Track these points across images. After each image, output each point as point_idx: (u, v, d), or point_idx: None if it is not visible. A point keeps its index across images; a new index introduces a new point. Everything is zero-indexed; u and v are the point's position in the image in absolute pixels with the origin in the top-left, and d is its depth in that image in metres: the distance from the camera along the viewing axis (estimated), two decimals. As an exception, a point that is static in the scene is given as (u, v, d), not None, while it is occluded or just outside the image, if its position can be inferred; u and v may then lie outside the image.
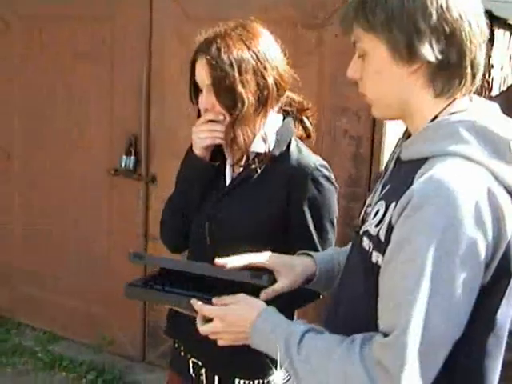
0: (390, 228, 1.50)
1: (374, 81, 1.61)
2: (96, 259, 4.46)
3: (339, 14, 1.68)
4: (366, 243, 1.62)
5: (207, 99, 2.15)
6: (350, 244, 1.86)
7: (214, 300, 1.80)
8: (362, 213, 1.77)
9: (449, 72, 1.54)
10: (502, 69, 6.80)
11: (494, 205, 1.44)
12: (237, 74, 2.10)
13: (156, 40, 3.96)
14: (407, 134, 1.72)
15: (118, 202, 4.29)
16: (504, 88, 7.23)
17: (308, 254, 2.00)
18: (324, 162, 2.24)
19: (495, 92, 6.50)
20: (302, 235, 2.20)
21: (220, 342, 1.80)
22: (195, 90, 2.21)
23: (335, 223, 2.26)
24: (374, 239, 1.58)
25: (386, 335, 1.47)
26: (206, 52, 2.12)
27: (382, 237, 1.54)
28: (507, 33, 6.87)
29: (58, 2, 4.31)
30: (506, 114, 1.63)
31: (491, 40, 5.78)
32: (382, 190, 1.66)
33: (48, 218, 4.68)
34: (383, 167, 1.90)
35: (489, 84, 5.99)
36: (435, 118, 1.57)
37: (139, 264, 2.02)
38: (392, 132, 3.32)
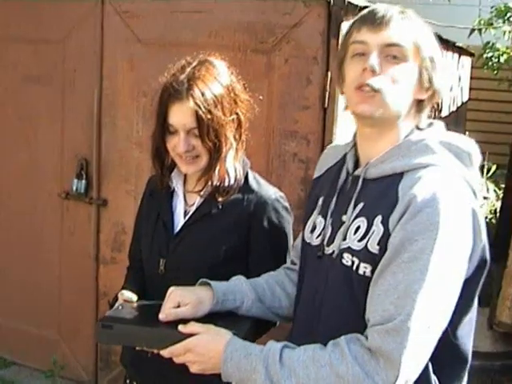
0: (387, 235, 1.66)
1: (395, 83, 1.73)
2: (47, 283, 4.42)
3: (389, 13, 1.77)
4: (349, 259, 1.75)
5: (187, 141, 2.14)
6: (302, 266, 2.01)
7: (180, 327, 1.83)
8: (321, 236, 1.89)
9: (431, 104, 1.82)
10: (451, 89, 6.91)
11: (471, 204, 1.69)
12: (221, 115, 2.13)
13: (107, 64, 3.96)
14: (354, 156, 1.90)
15: (70, 225, 4.26)
16: (454, 108, 7.36)
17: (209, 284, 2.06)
18: (282, 194, 2.33)
19: (445, 113, 6.62)
20: (260, 262, 2.26)
21: (191, 370, 1.83)
22: (161, 130, 2.19)
23: (291, 250, 2.32)
24: (361, 253, 1.72)
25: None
26: (188, 95, 2.10)
27: (373, 248, 1.69)
28: (456, 54, 7.00)
29: (9, 24, 4.29)
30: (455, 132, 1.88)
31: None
32: (353, 209, 1.79)
33: (-2, 241, 4.63)
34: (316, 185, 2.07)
35: (438, 105, 6.09)
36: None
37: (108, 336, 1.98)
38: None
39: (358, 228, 1.75)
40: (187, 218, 2.27)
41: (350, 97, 1.80)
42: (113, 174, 4.04)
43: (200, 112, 2.09)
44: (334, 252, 1.81)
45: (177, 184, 2.30)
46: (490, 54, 6.58)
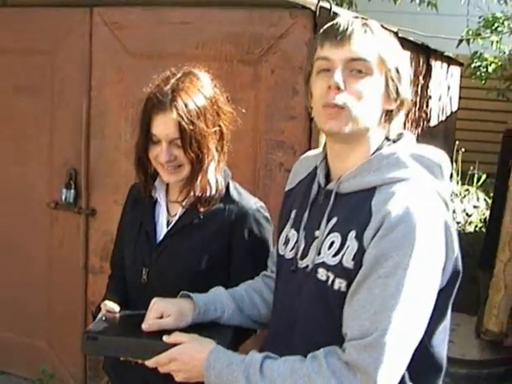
0: (362, 251, 1.67)
1: (361, 98, 1.74)
2: (37, 292, 4.42)
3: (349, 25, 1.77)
4: (323, 274, 1.76)
5: (169, 151, 2.16)
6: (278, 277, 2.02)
7: (165, 337, 1.85)
8: (295, 249, 1.90)
9: (399, 114, 1.83)
10: (440, 99, 6.96)
11: (444, 217, 1.71)
12: (204, 126, 2.16)
13: (96, 74, 3.98)
14: (325, 169, 1.90)
15: (59, 234, 4.27)
16: (443, 117, 7.40)
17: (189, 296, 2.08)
18: (262, 204, 2.37)
19: (434, 122, 6.66)
20: (241, 271, 2.29)
21: (176, 379, 1.86)
22: (145, 140, 2.22)
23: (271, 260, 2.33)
24: (336, 268, 1.73)
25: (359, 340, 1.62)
26: (171, 106, 2.13)
27: (348, 264, 1.70)
28: (444, 64, 7.05)
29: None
30: (445, 143, 1.92)
31: (428, 72, 5.93)
32: (327, 224, 1.79)
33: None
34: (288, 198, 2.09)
35: (427, 114, 6.13)
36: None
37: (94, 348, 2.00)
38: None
39: (332, 243, 1.76)
40: (169, 227, 2.30)
41: (317, 114, 1.80)
42: (101, 184, 4.06)
43: (183, 123, 2.12)
44: (308, 266, 1.82)
45: (159, 194, 2.33)
46: (477, 64, 6.63)
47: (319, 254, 1.79)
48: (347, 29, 1.74)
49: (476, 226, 8.62)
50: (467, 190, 9.88)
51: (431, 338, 1.78)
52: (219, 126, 2.23)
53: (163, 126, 2.15)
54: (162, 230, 2.31)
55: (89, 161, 4.08)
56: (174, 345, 1.83)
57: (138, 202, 2.38)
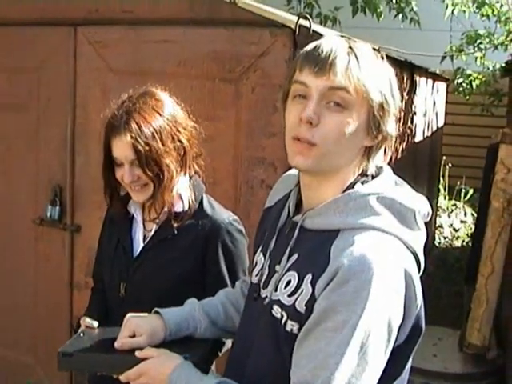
0: (313, 299, 1.57)
1: (336, 135, 1.60)
2: (22, 308, 4.44)
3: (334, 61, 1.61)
4: (278, 311, 1.68)
5: (131, 172, 2.23)
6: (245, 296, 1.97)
7: (137, 353, 1.86)
8: (258, 276, 1.83)
9: (380, 151, 1.68)
10: (425, 114, 7.02)
11: (407, 273, 1.57)
12: (160, 145, 2.21)
13: (80, 92, 4.01)
14: (297, 197, 1.79)
15: (44, 251, 4.29)
16: (429, 133, 7.46)
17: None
18: (236, 217, 2.40)
19: (419, 138, 6.72)
20: (216, 284, 2.32)
21: None
22: (109, 163, 2.29)
23: (246, 272, 2.39)
24: (290, 310, 1.64)
25: None
26: (125, 129, 2.19)
27: (301, 308, 1.61)
28: (430, 80, 7.12)
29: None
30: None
31: (413, 88, 5.99)
32: (287, 259, 1.70)
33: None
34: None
35: (411, 131, 6.18)
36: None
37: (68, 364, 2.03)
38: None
39: (289, 282, 1.66)
40: (145, 243, 2.35)
41: (287, 145, 1.66)
42: (86, 201, 4.08)
43: (137, 145, 2.18)
44: (266, 298, 1.75)
45: (135, 211, 2.38)
46: (460, 80, 6.70)
47: (276, 290, 1.70)
48: (329, 55, 1.58)
49: (463, 241, 8.68)
50: (454, 204, 9.96)
51: None
52: (180, 141, 2.28)
53: (120, 149, 2.22)
54: (139, 245, 2.36)
55: (74, 177, 4.11)
56: (145, 359, 1.84)
57: (115, 219, 2.43)
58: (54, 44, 4.06)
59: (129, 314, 2.04)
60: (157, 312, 2.07)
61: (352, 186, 1.67)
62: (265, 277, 1.79)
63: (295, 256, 1.69)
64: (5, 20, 4.21)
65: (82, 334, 2.14)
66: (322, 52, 1.60)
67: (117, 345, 1.95)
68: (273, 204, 1.97)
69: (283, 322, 1.65)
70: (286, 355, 1.63)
